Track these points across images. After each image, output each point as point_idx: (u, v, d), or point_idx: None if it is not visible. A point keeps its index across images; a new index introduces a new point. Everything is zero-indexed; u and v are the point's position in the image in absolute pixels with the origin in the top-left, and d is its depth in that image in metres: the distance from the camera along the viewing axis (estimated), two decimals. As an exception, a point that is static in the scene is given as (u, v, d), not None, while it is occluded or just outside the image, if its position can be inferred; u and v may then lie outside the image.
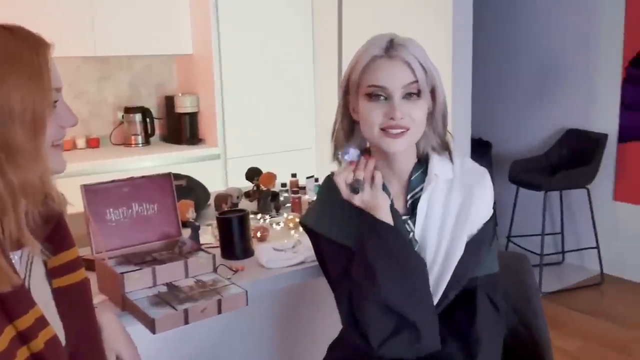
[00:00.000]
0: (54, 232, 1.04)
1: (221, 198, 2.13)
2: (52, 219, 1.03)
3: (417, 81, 1.31)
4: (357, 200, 1.32)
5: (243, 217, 1.75)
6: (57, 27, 3.54)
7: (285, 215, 2.11)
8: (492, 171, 4.89)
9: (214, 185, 3.08)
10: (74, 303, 1.04)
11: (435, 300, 1.37)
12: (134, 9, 3.79)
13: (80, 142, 3.98)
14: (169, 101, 4.13)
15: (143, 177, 1.64)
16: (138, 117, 4.05)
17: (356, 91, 1.36)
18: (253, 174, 2.24)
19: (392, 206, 1.41)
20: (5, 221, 0.90)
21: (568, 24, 4.35)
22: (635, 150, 4.08)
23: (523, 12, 4.63)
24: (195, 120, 4.10)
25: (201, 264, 1.53)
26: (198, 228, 1.77)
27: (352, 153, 1.31)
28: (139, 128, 4.07)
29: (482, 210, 1.40)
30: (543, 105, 4.58)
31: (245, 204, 2.24)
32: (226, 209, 1.99)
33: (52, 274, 1.03)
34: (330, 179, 1.47)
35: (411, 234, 1.40)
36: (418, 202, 1.40)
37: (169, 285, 1.47)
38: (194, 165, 3.87)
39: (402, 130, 1.32)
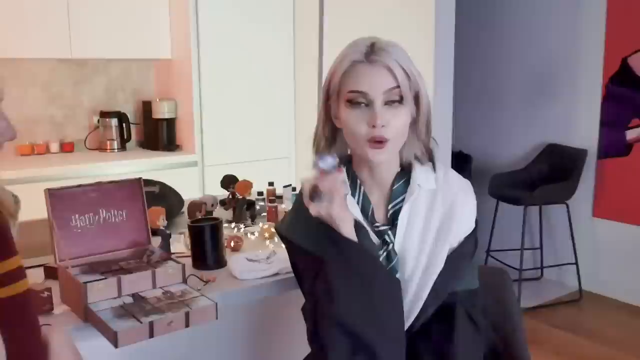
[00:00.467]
0: None
1: (195, 206, 2.06)
2: None
3: (398, 86, 1.26)
4: (312, 209, 1.26)
5: (216, 226, 1.68)
6: (33, 28, 3.47)
7: (260, 224, 2.04)
8: (472, 184, 4.87)
9: (190, 193, 3.01)
10: (16, 315, 0.96)
11: (413, 316, 1.32)
12: (112, 11, 3.72)
13: (54, 147, 3.89)
14: (146, 106, 4.06)
15: (112, 182, 1.57)
16: (114, 121, 3.97)
17: (337, 97, 1.31)
18: (229, 181, 2.18)
19: (371, 216, 1.37)
20: None
21: (550, 39, 4.36)
22: (614, 166, 4.08)
23: (505, 24, 4.63)
24: (172, 126, 4.03)
25: (170, 274, 1.46)
26: (169, 236, 1.70)
27: (328, 162, 1.25)
28: (114, 133, 3.99)
29: (464, 223, 1.36)
30: (524, 119, 4.58)
31: (220, 213, 2.18)
32: (200, 217, 1.93)
33: None
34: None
35: (391, 245, 1.35)
36: (399, 212, 1.35)
37: (135, 296, 1.39)
38: (171, 172, 3.79)
39: (383, 140, 1.27)
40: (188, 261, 1.69)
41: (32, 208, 1.53)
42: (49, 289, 1.38)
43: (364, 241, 1.31)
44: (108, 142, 3.98)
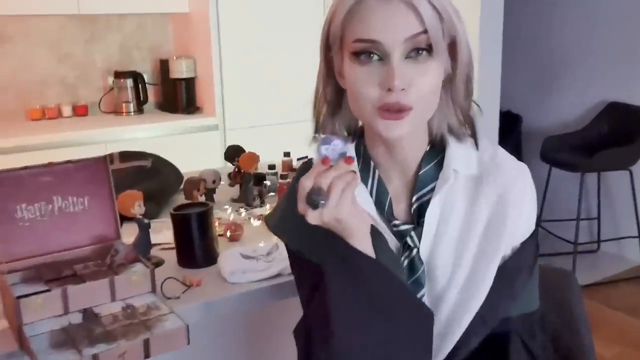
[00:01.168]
0: None
1: (192, 183, 1.74)
2: None
3: (426, 31, 0.87)
4: (313, 218, 0.85)
5: (204, 214, 1.36)
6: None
7: (269, 206, 1.72)
8: (521, 148, 4.46)
9: (212, 160, 2.70)
10: None
11: (447, 349, 0.97)
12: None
13: (67, 110, 3.61)
14: (164, 65, 3.73)
15: (68, 162, 1.25)
16: (129, 82, 3.66)
17: (340, 48, 0.94)
18: (233, 153, 1.85)
19: (389, 211, 1.01)
20: None
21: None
22: (687, 127, 3.60)
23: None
24: (192, 86, 3.70)
25: (134, 283, 1.14)
26: (147, 227, 1.37)
27: (335, 147, 0.86)
28: (130, 95, 3.68)
29: (521, 224, 0.99)
30: (580, 74, 4.09)
31: (224, 191, 1.85)
32: (189, 202, 1.60)
33: None
34: (307, 167, 1.06)
35: (415, 250, 0.99)
36: (427, 206, 0.99)
37: (87, 313, 1.08)
38: (191, 136, 3.50)
39: (403, 109, 0.89)
40: (172, 256, 1.39)
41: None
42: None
43: (382, 252, 0.94)
44: (124, 105, 3.68)
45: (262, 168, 1.89)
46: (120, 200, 1.35)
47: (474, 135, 1.01)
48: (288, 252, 1.09)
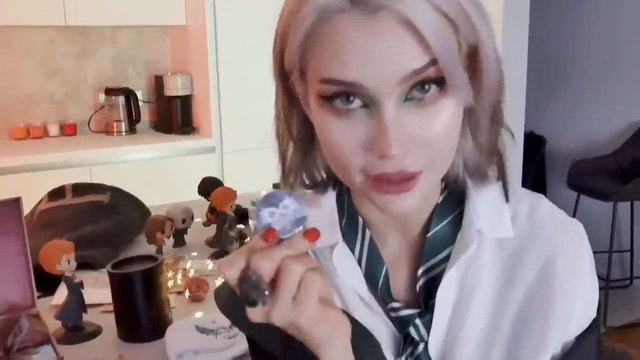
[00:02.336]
0: None
1: (156, 224, 1.45)
2: None
3: (434, 61, 0.54)
4: (254, 316, 0.56)
5: (150, 273, 1.06)
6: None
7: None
8: (545, 173, 4.15)
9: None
10: None
11: None
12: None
13: (53, 129, 3.36)
14: (160, 82, 3.47)
15: (-32, 208, 0.96)
16: (122, 100, 3.40)
17: (300, 78, 0.62)
18: (209, 186, 1.56)
19: (384, 287, 0.69)
20: None
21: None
22: None
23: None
24: (188, 105, 3.44)
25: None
26: (79, 287, 1.08)
27: (285, 210, 0.55)
28: (122, 113, 3.42)
29: (575, 310, 0.68)
30: (611, 93, 3.77)
31: (198, 231, 1.56)
32: (136, 255, 1.30)
33: None
34: None
35: (421, 346, 0.68)
36: (439, 282, 0.68)
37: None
38: (186, 159, 3.24)
39: (407, 178, 0.58)
40: (110, 322, 1.10)
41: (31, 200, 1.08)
42: None
43: (365, 344, 0.64)
44: (115, 124, 3.42)
45: (247, 201, 1.61)
46: (45, 254, 1.06)
47: (503, 179, 0.70)
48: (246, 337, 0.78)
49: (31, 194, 1.16)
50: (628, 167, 3.46)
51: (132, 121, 3.45)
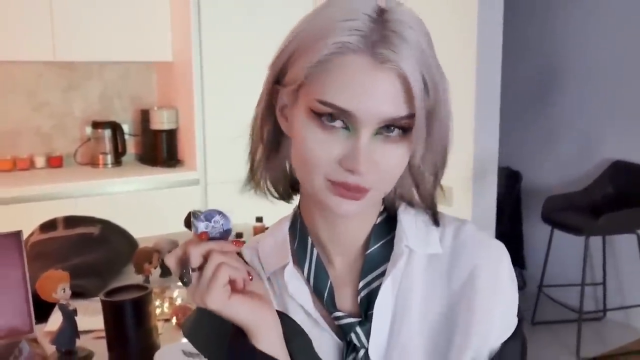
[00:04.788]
0: None
1: (144, 255, 1.51)
2: None
3: (413, 115, 0.68)
4: (191, 296, 0.70)
5: (141, 301, 1.13)
6: (11, 27, 3.01)
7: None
8: (521, 207, 4.25)
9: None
10: None
11: None
12: (105, 8, 3.22)
13: (40, 161, 3.42)
14: (145, 116, 3.55)
15: (-29, 238, 1.03)
16: (108, 133, 3.47)
17: (294, 91, 0.73)
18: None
19: (329, 299, 0.78)
20: None
21: (615, 38, 3.69)
22: (697, 189, 3.39)
23: (561, 18, 3.97)
24: (173, 138, 3.51)
25: (38, 394, 0.91)
26: (73, 315, 1.14)
27: (215, 224, 0.70)
28: (108, 146, 3.49)
29: (496, 319, 0.76)
30: (583, 130, 3.91)
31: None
32: (127, 284, 1.37)
33: None
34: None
35: (361, 351, 0.76)
36: (377, 295, 0.77)
37: None
38: (170, 191, 3.30)
39: (361, 190, 0.70)
40: (102, 347, 1.16)
41: None
42: None
43: (297, 339, 0.74)
44: (101, 156, 3.49)
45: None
46: (42, 283, 1.12)
47: (432, 209, 0.80)
48: None
49: (17, 225, 1.20)
50: (600, 203, 3.58)
51: (118, 154, 3.52)
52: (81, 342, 1.18)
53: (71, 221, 1.60)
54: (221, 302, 0.67)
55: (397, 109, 0.67)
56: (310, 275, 0.79)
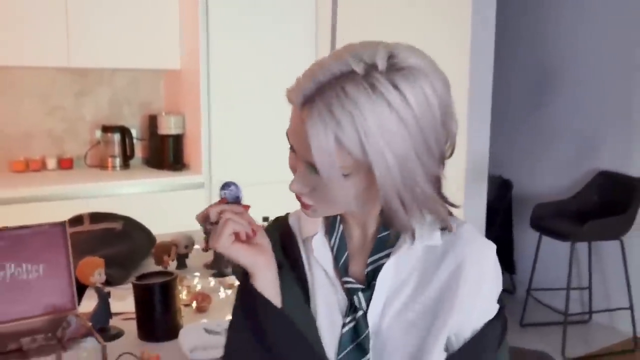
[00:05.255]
0: None
1: (163, 248, 1.67)
2: None
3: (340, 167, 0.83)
4: (209, 242, 0.92)
5: (168, 285, 1.29)
6: (28, 34, 3.17)
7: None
8: (511, 215, 4.41)
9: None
10: None
11: None
12: (117, 17, 3.38)
13: (51, 163, 3.56)
14: (153, 121, 3.71)
15: (25, 227, 1.19)
16: (117, 137, 3.63)
17: None
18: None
19: (343, 266, 0.97)
20: None
21: (604, 52, 3.87)
22: (678, 199, 3.56)
23: (551, 29, 4.15)
24: (180, 143, 3.67)
25: (87, 359, 1.07)
26: (107, 296, 1.30)
27: (230, 192, 0.99)
28: (117, 149, 3.64)
29: (479, 303, 0.93)
30: (571, 141, 4.08)
31: (197, 256, 1.79)
32: (155, 270, 1.53)
33: None
34: (276, 223, 1.09)
35: (360, 312, 0.95)
36: (379, 271, 0.95)
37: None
38: (176, 194, 3.44)
39: (305, 207, 0.92)
40: (132, 327, 1.31)
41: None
42: None
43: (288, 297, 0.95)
44: (110, 159, 3.64)
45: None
46: (80, 268, 1.28)
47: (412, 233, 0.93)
48: None
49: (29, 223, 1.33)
50: (585, 210, 3.75)
51: (127, 157, 3.66)
52: (112, 322, 1.33)
53: (96, 217, 1.76)
54: (225, 246, 0.89)
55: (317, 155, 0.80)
56: (335, 245, 0.98)
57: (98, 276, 1.29)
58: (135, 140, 3.73)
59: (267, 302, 0.91)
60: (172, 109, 3.77)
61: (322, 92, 0.81)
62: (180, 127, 3.64)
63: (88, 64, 3.44)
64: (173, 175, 3.55)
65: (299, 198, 0.91)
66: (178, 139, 3.66)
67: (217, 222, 0.89)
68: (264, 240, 0.93)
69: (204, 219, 0.91)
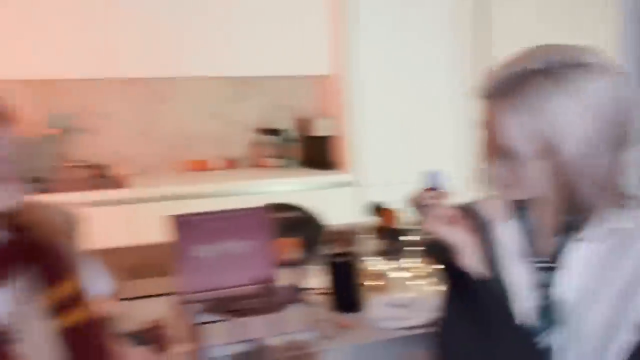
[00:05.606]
0: (40, 266, 0.86)
1: (337, 235, 1.86)
2: (34, 252, 0.85)
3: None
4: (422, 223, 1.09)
5: (351, 262, 1.46)
6: (192, 47, 3.52)
7: (411, 260, 1.80)
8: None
9: (347, 216, 2.83)
10: (79, 347, 0.82)
11: None
12: (270, 29, 3.66)
13: (215, 163, 3.91)
14: (305, 124, 3.97)
15: (238, 210, 1.41)
16: (272, 139, 3.93)
17: None
18: (376, 208, 1.95)
19: (532, 246, 1.09)
20: None
21: None
22: None
23: None
24: (330, 144, 3.90)
25: (296, 319, 1.26)
26: (302, 271, 1.50)
27: (435, 179, 1.09)
28: (274, 150, 3.94)
29: None
30: None
31: (369, 244, 1.96)
32: (339, 251, 1.72)
33: (48, 312, 0.83)
34: (467, 207, 1.19)
35: (549, 289, 1.05)
36: (568, 248, 1.04)
37: (251, 342, 1.21)
38: (326, 192, 3.66)
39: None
40: (324, 300, 1.50)
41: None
42: (166, 325, 1.25)
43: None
44: (266, 160, 3.94)
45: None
46: (280, 245, 1.49)
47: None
48: None
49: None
50: None
51: (281, 158, 3.95)
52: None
53: (278, 207, 1.98)
54: (435, 227, 1.05)
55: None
56: (523, 227, 1.10)
57: (295, 253, 1.49)
58: (289, 142, 4.00)
59: (477, 275, 1.04)
60: (322, 112, 4.00)
61: (514, 86, 0.95)
62: (331, 129, 3.86)
63: (246, 72, 3.75)
64: (324, 174, 3.77)
65: (490, 184, 1.04)
66: (328, 141, 3.88)
67: (426, 206, 1.05)
68: (467, 223, 1.07)
69: (416, 202, 1.07)
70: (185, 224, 1.36)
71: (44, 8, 3.28)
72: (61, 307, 0.84)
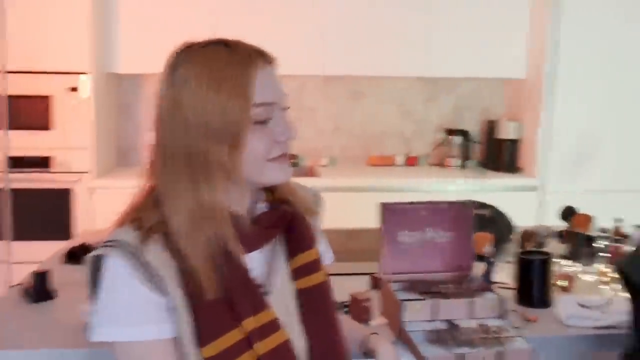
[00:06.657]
0: (292, 234, 1.03)
1: (526, 235, 1.95)
2: (291, 221, 1.02)
3: None
4: None
5: (546, 261, 1.56)
6: (392, 48, 3.71)
7: (599, 266, 1.83)
8: None
9: (526, 219, 2.86)
10: (314, 305, 1.01)
11: None
12: (469, 31, 3.75)
13: (399, 159, 4.09)
14: (491, 126, 4.01)
15: (441, 202, 1.56)
16: (458, 139, 4.02)
17: None
18: (568, 213, 2.00)
19: None
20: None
21: None
22: None
23: None
24: (515, 147, 3.91)
25: (488, 307, 1.39)
26: (493, 265, 1.62)
27: None
28: (457, 150, 4.03)
29: None
30: None
31: (553, 246, 2.02)
32: (528, 249, 1.81)
33: (292, 275, 1.02)
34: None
35: None
36: None
37: (449, 322, 1.36)
38: (507, 194, 3.67)
39: None
40: (509, 294, 1.60)
41: (366, 217, 1.64)
42: (369, 300, 1.43)
43: None
44: (449, 159, 4.04)
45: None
46: (475, 239, 1.61)
47: None
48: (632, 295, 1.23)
49: (371, 210, 1.63)
50: None
51: (464, 158, 4.03)
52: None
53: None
54: None
55: None
56: None
57: (488, 248, 1.62)
58: (473, 143, 4.07)
59: None
60: (511, 115, 4.01)
61: None
62: (518, 132, 3.87)
63: (438, 73, 3.87)
64: (507, 177, 3.80)
65: None
66: (514, 144, 3.89)
67: None
68: None
69: None
70: (392, 210, 1.53)
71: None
72: (305, 270, 1.04)
